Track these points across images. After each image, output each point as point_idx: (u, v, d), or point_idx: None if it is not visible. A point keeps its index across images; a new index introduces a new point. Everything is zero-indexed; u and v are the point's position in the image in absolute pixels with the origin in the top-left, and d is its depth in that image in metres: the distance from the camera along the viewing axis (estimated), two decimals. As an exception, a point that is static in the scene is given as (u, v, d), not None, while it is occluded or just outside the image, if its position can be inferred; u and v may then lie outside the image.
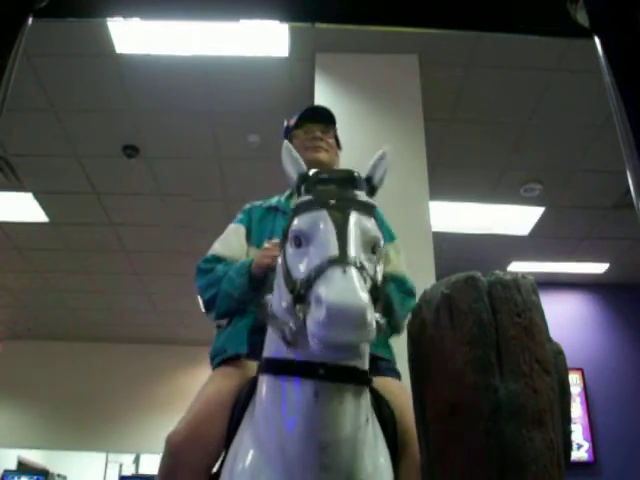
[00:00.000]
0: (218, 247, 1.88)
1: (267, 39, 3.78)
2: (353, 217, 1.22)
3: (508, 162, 4.85)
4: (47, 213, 5.67)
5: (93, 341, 8.85)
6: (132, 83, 4.13)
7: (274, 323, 1.34)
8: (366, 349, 1.16)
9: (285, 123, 2.12)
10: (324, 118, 2.04)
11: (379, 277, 1.23)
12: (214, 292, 1.76)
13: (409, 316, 1.22)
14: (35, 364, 8.68)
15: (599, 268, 6.63)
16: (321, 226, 1.20)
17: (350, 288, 1.05)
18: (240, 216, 1.98)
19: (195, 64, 3.95)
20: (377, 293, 1.17)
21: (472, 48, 3.83)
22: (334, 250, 1.14)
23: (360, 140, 3.27)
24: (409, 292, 1.81)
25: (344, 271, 1.08)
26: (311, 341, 1.08)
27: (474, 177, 5.07)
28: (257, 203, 2.01)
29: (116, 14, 1.30)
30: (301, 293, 1.15)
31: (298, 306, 1.16)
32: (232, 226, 1.94)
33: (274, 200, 2.00)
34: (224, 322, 1.83)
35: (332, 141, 2.03)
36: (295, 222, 1.26)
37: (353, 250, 1.15)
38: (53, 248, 6.37)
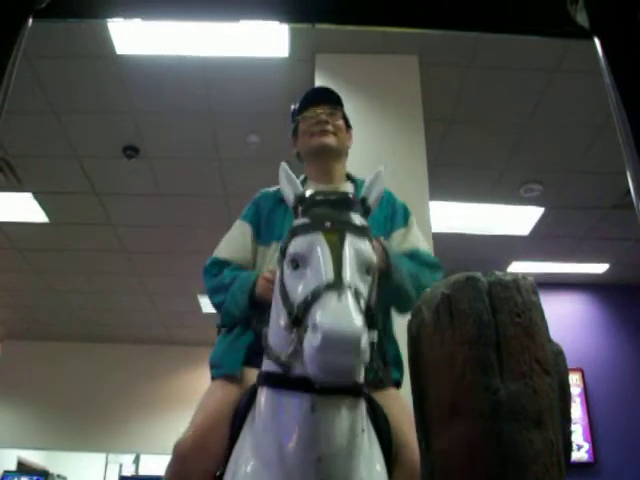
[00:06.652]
0: (223, 249, 1.88)
1: (267, 40, 3.79)
2: (348, 240, 1.26)
3: (508, 162, 4.85)
4: (47, 213, 5.68)
5: (93, 341, 8.85)
6: (132, 84, 4.13)
7: (270, 354, 1.39)
8: (361, 371, 1.22)
9: (292, 107, 2.05)
10: (329, 99, 1.97)
11: (373, 296, 1.27)
12: (221, 299, 1.78)
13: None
14: (35, 364, 8.68)
15: (599, 268, 6.63)
16: (317, 250, 1.25)
17: (345, 314, 1.09)
18: (247, 210, 1.94)
19: (195, 65, 3.95)
20: (371, 313, 1.21)
21: (472, 49, 3.84)
22: (330, 275, 1.19)
23: (360, 141, 3.26)
24: (431, 264, 1.79)
25: (339, 297, 1.13)
26: (307, 365, 1.12)
27: (474, 177, 5.07)
28: (270, 191, 1.94)
29: (116, 15, 1.30)
30: (298, 317, 1.19)
31: (295, 329, 1.20)
32: (238, 223, 1.92)
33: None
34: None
35: (340, 122, 1.96)
36: (292, 244, 1.31)
37: (348, 274, 1.20)
38: (53, 248, 6.38)
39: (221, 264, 1.83)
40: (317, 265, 1.22)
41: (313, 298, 1.16)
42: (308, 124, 1.94)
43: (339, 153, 1.96)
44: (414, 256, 1.79)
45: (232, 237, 1.90)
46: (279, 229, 1.81)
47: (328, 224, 1.29)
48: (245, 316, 1.72)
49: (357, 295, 1.16)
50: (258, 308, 1.65)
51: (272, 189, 1.94)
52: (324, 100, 1.97)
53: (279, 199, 1.85)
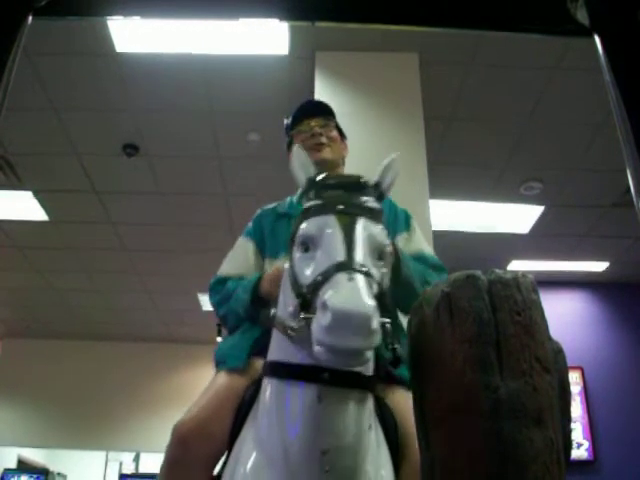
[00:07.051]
0: (226, 267, 1.88)
1: (267, 37, 3.78)
2: (360, 223, 1.22)
3: (508, 161, 4.85)
4: (47, 212, 5.67)
5: (93, 339, 8.85)
6: (132, 82, 4.12)
7: (278, 323, 1.35)
8: (371, 355, 1.16)
9: (285, 121, 2.07)
10: (321, 112, 1.98)
11: (385, 283, 1.23)
12: (226, 310, 1.78)
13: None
14: (35, 362, 8.68)
15: (599, 267, 6.63)
16: (328, 231, 1.21)
17: (356, 294, 1.05)
18: (249, 227, 1.93)
19: (195, 63, 3.95)
20: (383, 299, 1.16)
21: (472, 47, 3.83)
22: (341, 255, 1.14)
23: (360, 139, 3.27)
24: (437, 267, 1.78)
25: (350, 277, 1.08)
26: (315, 346, 1.07)
27: (474, 176, 5.07)
28: (269, 207, 1.95)
29: (116, 13, 1.30)
30: (307, 298, 1.15)
31: (304, 312, 1.16)
32: (240, 241, 1.92)
33: (286, 204, 1.94)
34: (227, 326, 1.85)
35: (334, 134, 1.96)
36: (303, 226, 1.26)
37: (359, 256, 1.15)
38: (53, 247, 6.37)
39: (224, 281, 1.83)
40: (328, 247, 1.18)
41: (323, 279, 1.11)
42: (302, 138, 1.93)
43: (335, 165, 1.96)
44: (419, 259, 1.77)
45: (234, 255, 1.90)
46: (284, 240, 1.81)
47: (340, 206, 1.25)
48: (250, 314, 1.70)
49: (368, 276, 1.12)
50: (262, 305, 1.64)
51: (270, 206, 1.95)
52: (316, 112, 1.98)
53: (279, 214, 1.88)
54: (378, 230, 1.25)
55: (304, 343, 1.18)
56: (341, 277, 1.09)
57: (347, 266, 1.12)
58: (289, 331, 1.25)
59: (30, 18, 0.96)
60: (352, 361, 1.08)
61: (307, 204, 1.33)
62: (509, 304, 1.02)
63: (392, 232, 1.83)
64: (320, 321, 1.05)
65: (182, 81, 4.12)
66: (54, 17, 1.05)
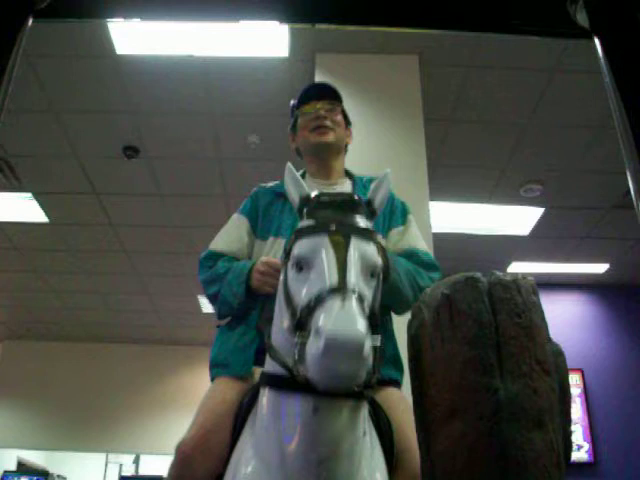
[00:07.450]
0: (218, 242, 1.87)
1: (267, 40, 3.79)
2: (353, 243, 1.24)
3: (508, 162, 4.85)
4: (47, 213, 5.68)
5: (93, 341, 8.85)
6: (132, 84, 4.13)
7: (275, 357, 1.37)
8: (363, 377, 1.19)
9: (291, 102, 2.03)
10: (328, 95, 1.94)
11: (377, 301, 1.26)
12: (215, 290, 1.77)
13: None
14: (35, 364, 8.69)
15: (599, 269, 6.63)
16: (322, 252, 1.23)
17: (348, 319, 1.08)
18: (245, 204, 1.93)
19: (195, 65, 3.95)
20: (374, 319, 1.19)
21: (472, 49, 3.83)
22: (334, 278, 1.17)
23: (360, 140, 3.27)
24: (428, 264, 1.76)
25: (343, 301, 1.11)
26: (310, 370, 1.10)
27: (474, 177, 5.07)
28: (268, 186, 1.94)
29: (116, 15, 1.30)
30: (301, 320, 1.18)
31: (298, 333, 1.18)
32: (234, 217, 1.91)
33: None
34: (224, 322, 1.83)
35: (339, 118, 1.93)
36: (296, 247, 1.28)
37: (352, 278, 1.18)
38: (53, 248, 6.38)
39: (216, 256, 1.82)
40: (321, 268, 1.20)
41: (317, 302, 1.14)
42: (307, 119, 1.91)
43: (338, 149, 1.94)
44: (411, 256, 1.76)
45: (228, 230, 1.89)
46: (276, 224, 1.80)
47: (333, 226, 1.27)
48: (243, 306, 1.71)
49: (361, 299, 1.15)
50: (255, 297, 1.65)
51: (269, 184, 1.94)
52: (323, 95, 1.94)
53: (276, 194, 1.86)
54: (370, 249, 1.27)
55: (300, 360, 1.19)
56: (334, 301, 1.11)
57: (340, 290, 1.14)
58: (287, 366, 1.27)
59: (30, 20, 0.96)
60: (345, 384, 1.11)
61: (300, 224, 1.35)
62: (509, 306, 1.02)
63: (387, 225, 1.83)
64: (314, 346, 1.08)
65: (182, 83, 4.12)
66: (54, 19, 1.05)
